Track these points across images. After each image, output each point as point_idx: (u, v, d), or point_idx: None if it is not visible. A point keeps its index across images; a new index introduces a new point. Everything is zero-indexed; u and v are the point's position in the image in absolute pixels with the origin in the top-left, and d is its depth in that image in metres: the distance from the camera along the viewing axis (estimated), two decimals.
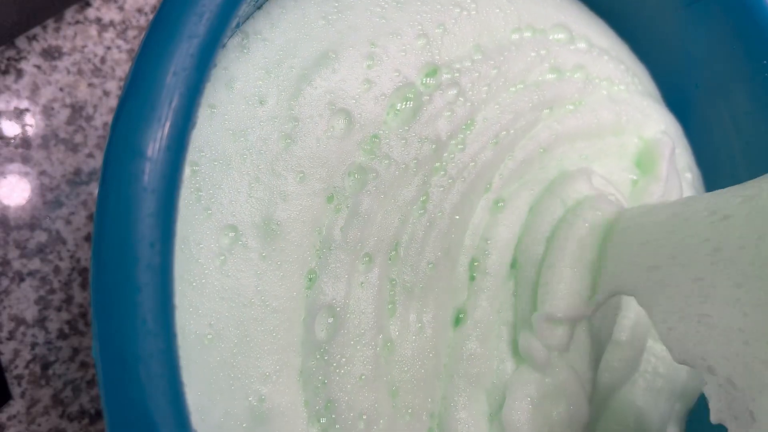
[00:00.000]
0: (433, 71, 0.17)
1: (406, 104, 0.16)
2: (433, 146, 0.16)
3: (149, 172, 0.11)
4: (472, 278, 0.17)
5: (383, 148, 0.16)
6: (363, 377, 0.15)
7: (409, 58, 0.16)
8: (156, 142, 0.11)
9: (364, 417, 0.14)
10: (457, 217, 0.17)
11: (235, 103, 0.14)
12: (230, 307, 0.13)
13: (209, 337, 0.13)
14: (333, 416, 0.14)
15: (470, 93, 0.17)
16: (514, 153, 0.18)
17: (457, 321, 0.17)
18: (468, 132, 0.17)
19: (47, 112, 0.23)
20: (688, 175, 0.22)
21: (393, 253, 0.16)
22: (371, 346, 0.15)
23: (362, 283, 0.15)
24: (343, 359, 0.14)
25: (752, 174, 0.20)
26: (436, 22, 0.17)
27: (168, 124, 0.11)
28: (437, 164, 0.16)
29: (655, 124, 0.20)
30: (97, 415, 0.22)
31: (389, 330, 0.15)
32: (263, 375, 0.14)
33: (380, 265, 0.15)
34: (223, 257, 0.14)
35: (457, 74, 0.17)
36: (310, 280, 0.15)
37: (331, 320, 0.15)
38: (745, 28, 0.19)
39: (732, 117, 0.20)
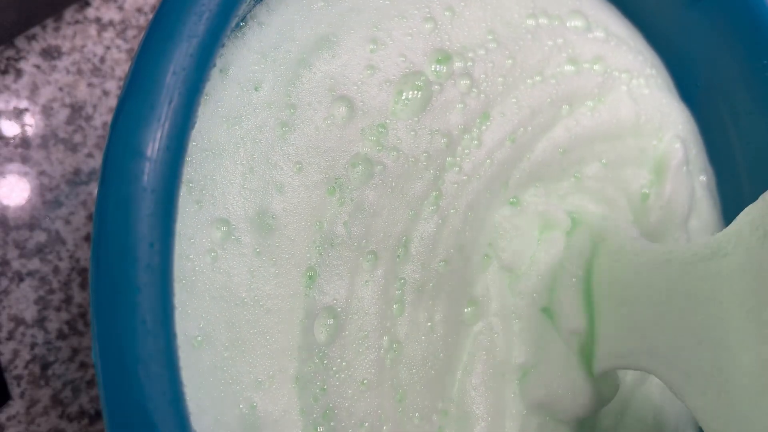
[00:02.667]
0: (443, 58, 0.16)
1: (414, 93, 0.15)
2: (445, 140, 0.15)
3: (149, 172, 0.11)
4: (485, 271, 0.16)
5: (391, 140, 0.15)
6: (365, 382, 0.14)
7: (416, 42, 0.15)
8: (155, 142, 0.11)
9: (366, 424, 0.14)
10: (471, 215, 0.16)
11: (228, 90, 0.13)
12: (221, 307, 0.13)
13: (199, 339, 0.12)
14: (332, 424, 0.13)
15: (484, 84, 0.16)
16: (533, 153, 0.17)
17: (470, 317, 0.16)
18: (483, 127, 0.16)
19: (46, 111, 0.23)
20: (703, 178, 0.21)
21: (401, 250, 0.15)
22: (374, 349, 0.14)
23: (366, 281, 0.14)
24: (344, 363, 0.14)
25: (752, 174, 0.20)
26: (444, 4, 0.16)
27: (167, 124, 0.11)
28: (449, 159, 0.16)
29: (673, 125, 0.20)
30: (97, 416, 0.22)
31: (396, 331, 0.15)
32: (255, 381, 0.13)
33: (387, 263, 0.15)
34: (214, 253, 0.13)
35: (470, 63, 0.16)
36: (310, 278, 0.14)
37: (331, 321, 0.14)
38: (745, 28, 0.19)
39: (732, 117, 0.20)
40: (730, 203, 0.21)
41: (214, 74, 0.14)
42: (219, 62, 0.14)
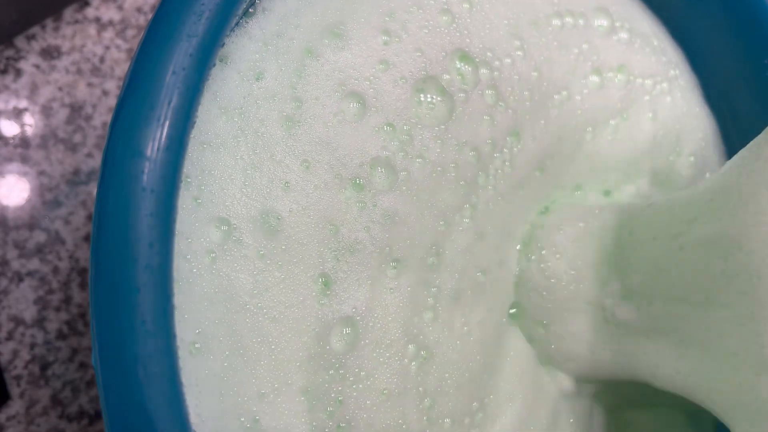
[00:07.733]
0: (464, 57, 0.15)
1: (436, 98, 0.14)
2: (473, 153, 0.15)
3: (148, 172, 0.11)
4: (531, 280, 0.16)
5: (416, 147, 0.14)
6: (386, 391, 0.13)
7: (433, 37, 0.14)
8: (155, 142, 0.11)
9: None
10: (509, 235, 0.16)
11: (227, 79, 0.13)
12: (221, 313, 0.12)
13: (196, 346, 0.12)
14: None
15: (511, 98, 0.15)
16: (556, 190, 0.17)
17: (514, 316, 0.16)
18: (515, 149, 0.15)
19: (46, 111, 0.23)
20: None
21: (433, 259, 0.14)
22: (398, 357, 0.13)
23: (391, 289, 0.14)
24: (363, 373, 0.13)
25: None
26: None
27: (167, 124, 0.11)
28: (482, 175, 0.15)
29: (692, 133, 0.19)
30: (97, 416, 0.22)
31: (425, 338, 0.14)
32: (258, 393, 0.12)
33: (415, 271, 0.14)
34: (213, 254, 0.12)
35: (497, 73, 0.15)
36: (325, 284, 0.13)
37: (349, 330, 0.13)
38: (745, 28, 0.19)
39: (733, 117, 0.20)
40: None
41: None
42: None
